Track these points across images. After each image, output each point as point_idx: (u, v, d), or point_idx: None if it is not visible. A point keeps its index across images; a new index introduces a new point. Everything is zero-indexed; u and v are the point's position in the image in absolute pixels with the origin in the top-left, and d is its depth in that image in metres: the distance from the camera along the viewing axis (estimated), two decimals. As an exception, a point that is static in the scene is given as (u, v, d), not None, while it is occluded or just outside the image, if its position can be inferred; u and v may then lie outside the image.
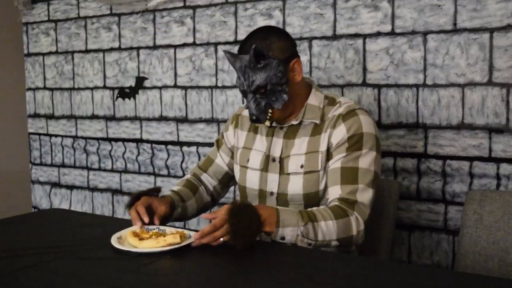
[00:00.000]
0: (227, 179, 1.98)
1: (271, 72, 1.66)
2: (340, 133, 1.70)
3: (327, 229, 1.58)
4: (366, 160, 1.67)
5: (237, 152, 1.90)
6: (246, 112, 1.92)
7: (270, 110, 1.70)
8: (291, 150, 1.75)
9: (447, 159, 2.18)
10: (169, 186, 2.67)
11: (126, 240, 1.54)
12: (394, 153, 2.28)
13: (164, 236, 1.51)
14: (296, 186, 1.72)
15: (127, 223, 1.68)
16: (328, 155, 1.71)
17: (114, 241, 1.53)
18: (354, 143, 1.68)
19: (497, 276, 1.66)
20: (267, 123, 1.73)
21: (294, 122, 1.77)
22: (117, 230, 1.60)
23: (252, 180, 1.82)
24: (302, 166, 1.72)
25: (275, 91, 1.68)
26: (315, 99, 1.78)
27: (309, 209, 1.64)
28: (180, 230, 1.59)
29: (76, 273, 1.36)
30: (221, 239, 1.49)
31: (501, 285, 1.31)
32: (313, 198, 1.72)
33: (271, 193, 1.77)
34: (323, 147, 1.71)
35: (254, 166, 1.82)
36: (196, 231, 1.53)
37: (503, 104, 2.07)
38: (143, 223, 1.63)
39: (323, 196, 1.72)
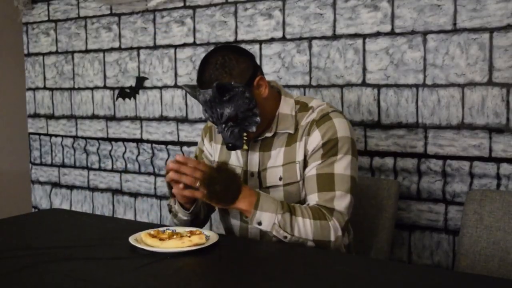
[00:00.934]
0: None
1: (238, 101, 1.60)
2: (315, 139, 1.66)
3: (304, 226, 1.57)
4: (342, 165, 1.64)
5: None
6: None
7: (245, 134, 1.66)
8: (267, 162, 1.72)
9: (447, 159, 2.18)
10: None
11: (143, 242, 1.51)
12: (394, 153, 2.28)
13: (181, 236, 1.50)
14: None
15: (127, 224, 1.69)
16: (305, 163, 1.68)
17: (134, 242, 1.50)
18: (329, 149, 1.64)
19: (497, 276, 1.66)
20: (245, 146, 1.67)
21: (268, 135, 1.72)
22: (117, 230, 1.60)
23: None
24: (280, 178, 1.69)
25: (246, 116, 1.63)
26: (286, 106, 1.73)
27: (292, 203, 1.62)
28: (193, 229, 1.59)
29: (76, 273, 1.36)
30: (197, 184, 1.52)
31: (501, 285, 1.31)
32: None
33: None
34: (299, 157, 1.68)
35: None
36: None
37: (503, 104, 2.07)
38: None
39: None
